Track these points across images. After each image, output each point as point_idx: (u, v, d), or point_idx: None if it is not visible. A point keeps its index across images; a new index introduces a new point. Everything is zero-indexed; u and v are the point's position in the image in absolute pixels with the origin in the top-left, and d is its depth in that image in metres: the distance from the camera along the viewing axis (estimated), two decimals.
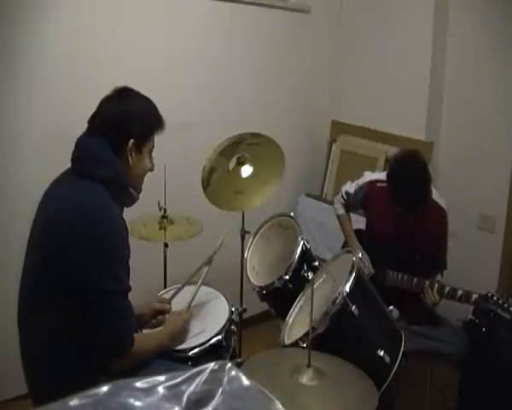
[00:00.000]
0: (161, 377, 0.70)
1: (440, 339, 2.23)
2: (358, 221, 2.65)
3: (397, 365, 1.69)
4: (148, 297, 1.99)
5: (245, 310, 2.52)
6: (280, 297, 2.12)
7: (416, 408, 2.47)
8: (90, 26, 2.52)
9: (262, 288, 2.17)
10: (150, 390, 0.68)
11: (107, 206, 1.48)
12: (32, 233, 1.57)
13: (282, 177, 2.41)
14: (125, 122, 1.56)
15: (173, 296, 1.98)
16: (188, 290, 1.96)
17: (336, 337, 1.67)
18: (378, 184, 2.40)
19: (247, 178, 2.41)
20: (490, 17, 2.83)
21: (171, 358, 1.67)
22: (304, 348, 1.60)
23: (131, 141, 1.56)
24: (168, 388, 0.68)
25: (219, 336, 1.78)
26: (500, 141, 2.84)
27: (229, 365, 0.72)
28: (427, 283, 2.22)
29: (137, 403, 0.65)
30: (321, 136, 3.67)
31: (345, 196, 2.57)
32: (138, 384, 0.68)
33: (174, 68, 2.87)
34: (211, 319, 1.87)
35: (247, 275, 2.31)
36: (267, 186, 2.40)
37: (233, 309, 1.94)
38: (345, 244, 2.57)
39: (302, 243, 2.16)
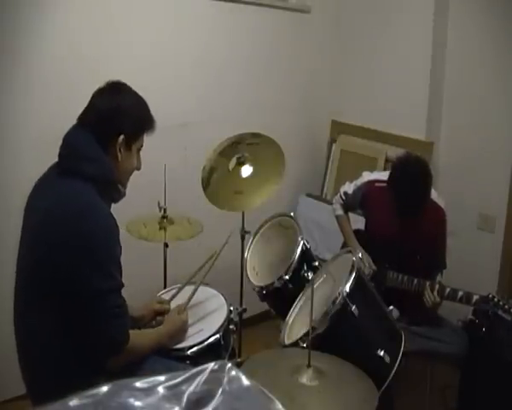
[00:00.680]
0: (161, 377, 0.69)
1: (440, 339, 2.23)
2: (357, 221, 2.65)
3: (397, 365, 1.68)
4: (148, 297, 1.99)
5: (245, 310, 2.52)
6: (280, 297, 2.12)
7: (416, 408, 2.47)
8: (90, 26, 2.52)
9: (262, 288, 2.17)
10: (150, 390, 0.67)
11: (94, 204, 1.47)
12: (23, 234, 1.56)
13: (282, 177, 2.41)
14: (117, 116, 1.54)
15: (173, 297, 1.98)
16: (188, 291, 1.96)
17: (336, 337, 1.67)
18: (376, 184, 2.41)
19: (247, 178, 2.41)
20: (490, 16, 2.83)
21: (169, 357, 1.67)
22: (304, 348, 1.60)
23: (122, 137, 1.54)
24: (168, 388, 0.68)
25: (217, 335, 1.78)
26: (500, 141, 2.84)
27: (229, 365, 0.72)
28: (427, 284, 2.22)
29: (137, 403, 0.65)
30: (321, 136, 3.67)
31: (343, 197, 2.57)
32: (138, 384, 0.68)
33: (173, 69, 2.87)
34: (209, 319, 1.87)
35: (247, 275, 2.31)
36: (267, 186, 2.40)
37: (231, 308, 1.94)
38: (344, 244, 2.57)
39: (302, 243, 2.16)
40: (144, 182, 2.39)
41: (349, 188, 2.54)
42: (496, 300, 2.09)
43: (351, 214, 2.64)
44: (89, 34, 2.52)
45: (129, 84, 1.63)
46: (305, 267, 2.13)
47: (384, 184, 2.32)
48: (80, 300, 1.42)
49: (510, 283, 2.82)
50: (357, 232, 2.56)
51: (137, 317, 1.83)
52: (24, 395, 1.58)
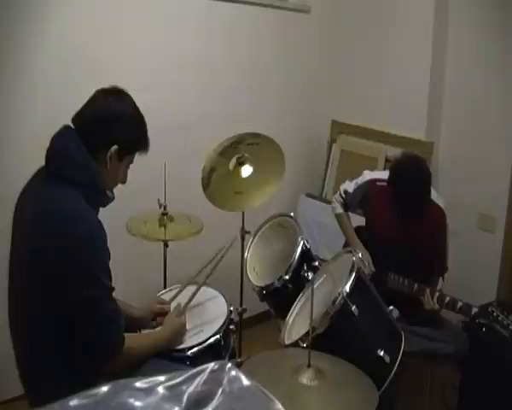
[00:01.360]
0: (161, 378, 0.70)
1: (440, 339, 2.22)
2: (358, 221, 2.64)
3: (397, 365, 1.68)
4: (148, 297, 1.99)
5: (245, 310, 2.52)
6: (280, 297, 2.12)
7: (416, 408, 2.47)
8: (92, 27, 2.52)
9: (262, 288, 2.17)
10: (150, 390, 0.67)
11: (79, 213, 1.43)
12: (12, 241, 1.54)
13: (282, 177, 2.41)
14: (116, 123, 1.50)
15: (173, 298, 1.98)
16: (188, 291, 1.96)
17: (336, 337, 1.67)
18: (378, 184, 2.40)
19: (247, 178, 2.41)
20: (490, 16, 2.83)
21: (169, 357, 1.67)
22: (304, 348, 1.60)
23: (115, 146, 1.49)
24: (168, 388, 0.68)
25: (218, 336, 1.78)
26: (500, 141, 2.83)
27: (229, 365, 0.72)
28: (427, 290, 2.21)
29: (137, 403, 0.65)
30: (321, 136, 3.67)
31: (343, 195, 2.55)
32: (138, 384, 0.68)
33: (173, 69, 2.86)
34: (209, 319, 1.87)
35: (247, 275, 2.31)
36: (267, 186, 2.40)
37: (232, 309, 1.94)
38: (346, 244, 2.56)
39: (302, 243, 2.16)
40: (144, 181, 2.39)
41: (349, 186, 2.53)
42: (495, 314, 2.06)
43: (350, 215, 2.63)
44: (91, 35, 2.52)
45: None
46: (305, 267, 2.13)
47: (385, 184, 2.31)
48: (73, 309, 1.41)
49: (510, 283, 2.82)
50: (358, 229, 2.55)
51: (137, 318, 1.82)
52: (23, 395, 1.58)
